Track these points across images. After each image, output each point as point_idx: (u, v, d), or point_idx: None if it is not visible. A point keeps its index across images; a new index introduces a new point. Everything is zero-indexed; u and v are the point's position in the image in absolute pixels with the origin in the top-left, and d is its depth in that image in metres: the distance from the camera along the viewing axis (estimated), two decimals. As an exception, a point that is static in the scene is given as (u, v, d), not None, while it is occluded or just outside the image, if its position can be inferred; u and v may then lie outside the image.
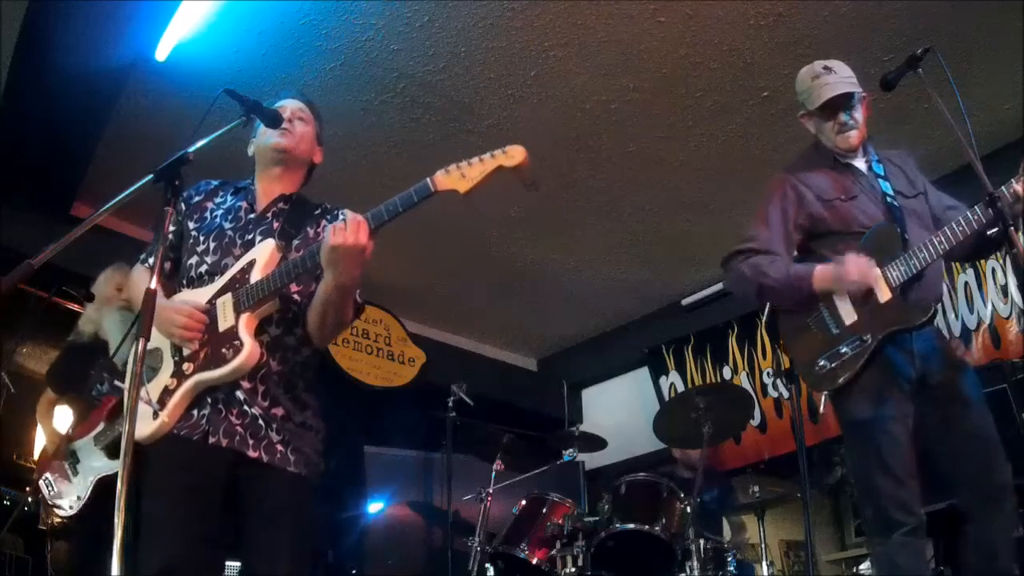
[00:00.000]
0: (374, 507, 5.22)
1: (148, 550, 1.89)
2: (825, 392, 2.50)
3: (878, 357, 2.37)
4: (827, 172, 2.60)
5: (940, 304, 2.48)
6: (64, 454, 3.38)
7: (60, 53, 3.54)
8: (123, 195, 1.84)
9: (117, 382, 3.10)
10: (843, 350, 2.41)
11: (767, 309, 3.09)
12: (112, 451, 3.23)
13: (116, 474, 3.19)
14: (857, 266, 2.37)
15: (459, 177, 1.85)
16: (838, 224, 2.52)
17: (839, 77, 2.57)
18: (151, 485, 1.96)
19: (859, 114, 2.57)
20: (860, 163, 2.61)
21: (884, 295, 2.36)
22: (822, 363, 2.44)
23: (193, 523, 1.88)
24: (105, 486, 3.21)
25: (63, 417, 3.60)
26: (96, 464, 3.28)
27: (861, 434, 2.39)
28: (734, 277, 2.63)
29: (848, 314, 2.44)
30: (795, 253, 2.62)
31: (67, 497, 3.30)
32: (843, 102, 2.55)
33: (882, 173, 2.57)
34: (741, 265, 2.58)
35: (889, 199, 2.51)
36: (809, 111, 2.64)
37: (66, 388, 3.56)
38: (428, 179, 1.88)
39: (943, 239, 2.32)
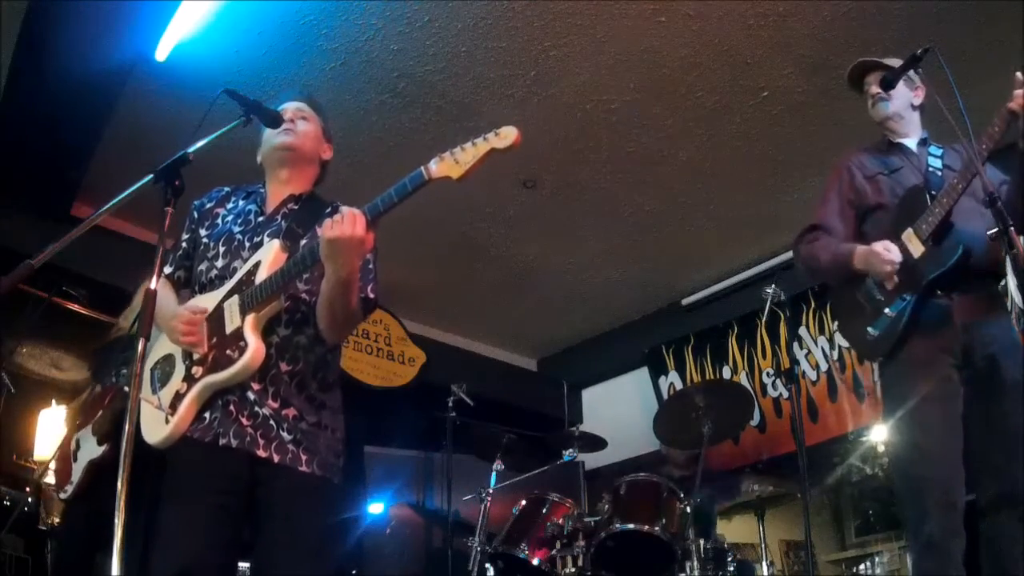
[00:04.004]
0: (374, 507, 5.21)
1: (160, 553, 1.88)
2: (876, 364, 2.56)
3: (921, 320, 2.38)
4: (879, 152, 2.70)
5: (987, 263, 2.45)
6: (72, 442, 3.46)
7: (60, 53, 3.54)
8: (123, 195, 1.83)
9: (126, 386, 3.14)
10: (887, 312, 2.44)
11: (767, 311, 3.19)
12: (101, 437, 3.30)
13: (103, 457, 3.21)
14: (883, 247, 2.43)
15: (452, 164, 1.84)
16: (876, 196, 2.59)
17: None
18: (168, 488, 1.96)
19: (896, 92, 2.61)
20: (911, 142, 2.67)
21: (917, 250, 2.41)
22: (870, 331, 2.48)
23: (206, 526, 1.87)
24: (93, 468, 3.28)
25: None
26: (90, 449, 3.34)
27: (900, 412, 2.37)
28: (798, 257, 2.79)
29: (890, 280, 2.47)
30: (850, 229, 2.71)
31: (68, 484, 3.37)
32: (870, 69, 2.68)
33: (937, 153, 2.61)
34: (802, 247, 2.74)
35: (931, 169, 2.55)
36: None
37: (95, 374, 3.63)
38: (422, 168, 1.87)
39: (959, 180, 2.34)
